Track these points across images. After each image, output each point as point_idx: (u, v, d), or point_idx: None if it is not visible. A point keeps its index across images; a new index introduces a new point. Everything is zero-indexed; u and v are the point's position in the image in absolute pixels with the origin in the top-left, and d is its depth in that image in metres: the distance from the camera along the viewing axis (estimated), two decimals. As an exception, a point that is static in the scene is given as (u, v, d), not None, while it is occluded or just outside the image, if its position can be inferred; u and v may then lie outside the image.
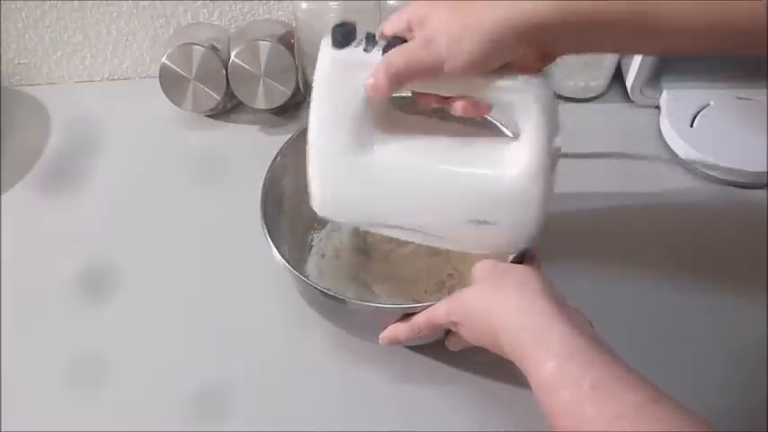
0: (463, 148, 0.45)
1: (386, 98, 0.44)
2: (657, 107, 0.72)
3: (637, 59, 0.69)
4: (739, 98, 0.69)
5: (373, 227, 0.49)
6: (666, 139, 0.68)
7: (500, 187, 0.43)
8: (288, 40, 0.70)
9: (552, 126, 0.42)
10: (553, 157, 0.43)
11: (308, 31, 0.70)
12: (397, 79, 0.41)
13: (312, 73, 0.72)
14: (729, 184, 0.65)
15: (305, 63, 0.73)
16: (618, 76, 0.74)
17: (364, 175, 0.45)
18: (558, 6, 0.38)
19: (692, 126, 0.68)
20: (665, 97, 0.70)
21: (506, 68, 0.41)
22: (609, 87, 0.75)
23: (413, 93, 0.45)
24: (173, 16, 0.76)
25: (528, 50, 0.40)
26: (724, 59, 0.71)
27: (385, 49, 0.42)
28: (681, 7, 0.38)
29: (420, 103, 0.46)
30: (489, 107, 0.43)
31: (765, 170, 0.63)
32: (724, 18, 0.37)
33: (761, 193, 0.64)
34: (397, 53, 0.41)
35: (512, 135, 0.44)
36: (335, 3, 0.67)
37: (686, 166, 0.67)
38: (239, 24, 0.76)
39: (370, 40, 0.42)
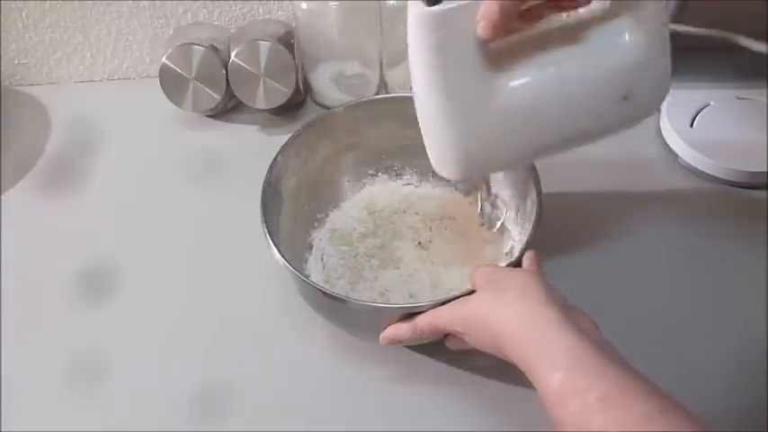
0: (584, 38, 0.45)
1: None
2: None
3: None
4: (739, 98, 0.69)
5: (521, 161, 0.49)
6: (666, 139, 0.68)
7: (637, 55, 0.44)
8: (288, 40, 0.70)
9: None
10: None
11: (308, 31, 0.70)
12: (513, 8, 0.40)
13: (311, 72, 0.73)
14: (729, 184, 0.65)
15: (305, 63, 0.73)
16: (618, 76, 0.74)
17: (506, 111, 0.44)
18: None
19: (692, 126, 0.68)
20: (665, 97, 0.70)
21: None
22: (609, 87, 0.75)
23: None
24: (173, 16, 0.75)
25: None
26: (724, 59, 0.71)
27: None
28: None
29: (524, 21, 0.44)
30: None
31: (765, 170, 0.63)
32: None
33: (761, 193, 0.64)
34: None
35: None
36: (335, 3, 0.67)
37: (686, 166, 0.67)
38: (239, 24, 0.76)
39: None
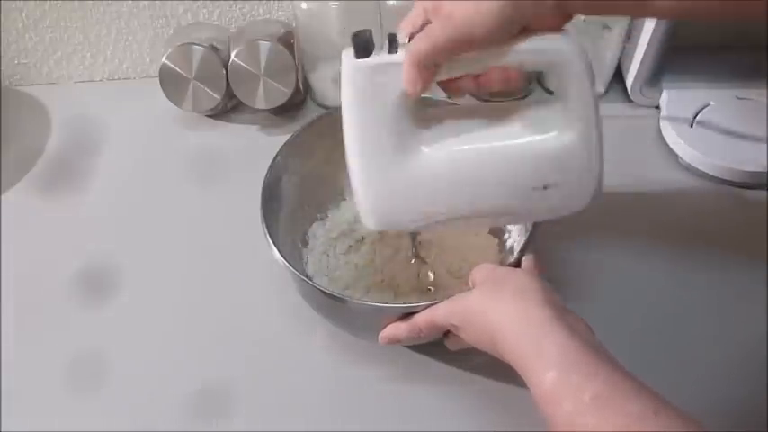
0: (511, 121, 0.44)
1: (419, 100, 0.43)
2: (657, 107, 0.72)
3: (637, 59, 0.69)
4: (739, 98, 0.69)
5: (432, 226, 0.47)
6: (666, 139, 0.68)
7: (559, 148, 0.43)
8: (288, 40, 0.70)
9: (593, 76, 0.41)
10: (598, 107, 0.42)
11: (308, 31, 0.70)
12: (427, 65, 0.40)
13: (311, 72, 0.74)
14: (729, 184, 0.65)
15: (305, 63, 0.73)
16: (618, 76, 0.74)
17: (418, 174, 0.44)
18: None
19: (692, 126, 0.68)
20: (665, 97, 0.70)
21: (526, 33, 0.40)
22: (609, 87, 0.75)
23: (441, 84, 0.44)
24: (173, 16, 0.76)
25: (547, 5, 0.39)
26: (724, 59, 0.71)
27: None
28: None
29: (451, 90, 0.44)
30: (522, 75, 0.42)
31: (765, 170, 0.63)
32: None
33: (761, 193, 0.64)
34: (419, 40, 0.39)
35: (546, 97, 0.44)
36: (335, 3, 0.67)
37: (686, 166, 0.67)
38: (239, 24, 0.76)
39: (393, 41, 0.41)
